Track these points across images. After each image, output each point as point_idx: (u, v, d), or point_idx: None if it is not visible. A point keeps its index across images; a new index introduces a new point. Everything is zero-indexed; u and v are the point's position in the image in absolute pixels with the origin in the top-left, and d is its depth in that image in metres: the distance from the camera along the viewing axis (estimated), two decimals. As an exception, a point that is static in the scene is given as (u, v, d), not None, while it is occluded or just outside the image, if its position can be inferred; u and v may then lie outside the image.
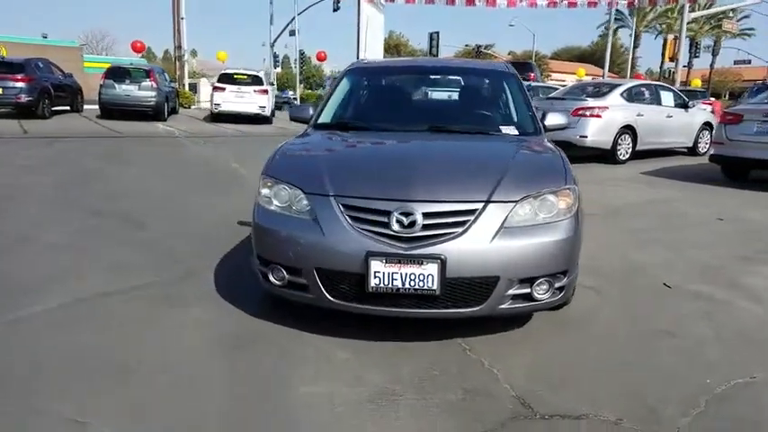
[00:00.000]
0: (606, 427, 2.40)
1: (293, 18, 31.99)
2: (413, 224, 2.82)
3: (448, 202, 2.88)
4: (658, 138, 11.90)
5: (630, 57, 54.54)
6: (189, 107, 25.05)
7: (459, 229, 2.83)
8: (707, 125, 12.98)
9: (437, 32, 31.69)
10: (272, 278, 3.12)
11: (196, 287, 3.87)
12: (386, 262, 2.78)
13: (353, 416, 2.44)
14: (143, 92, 17.58)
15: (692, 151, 12.93)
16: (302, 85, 44.34)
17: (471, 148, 3.68)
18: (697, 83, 26.45)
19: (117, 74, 17.83)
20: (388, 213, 2.85)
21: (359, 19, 25.21)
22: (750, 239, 5.60)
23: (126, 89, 17.57)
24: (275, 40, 35.48)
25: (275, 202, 3.16)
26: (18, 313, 3.36)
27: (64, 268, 4.18)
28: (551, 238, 2.92)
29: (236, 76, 19.97)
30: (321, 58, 31.84)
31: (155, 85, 17.74)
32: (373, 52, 25.89)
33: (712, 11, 30.46)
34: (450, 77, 4.82)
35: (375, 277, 2.79)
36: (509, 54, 60.93)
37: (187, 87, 26.21)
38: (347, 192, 2.98)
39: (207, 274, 4.11)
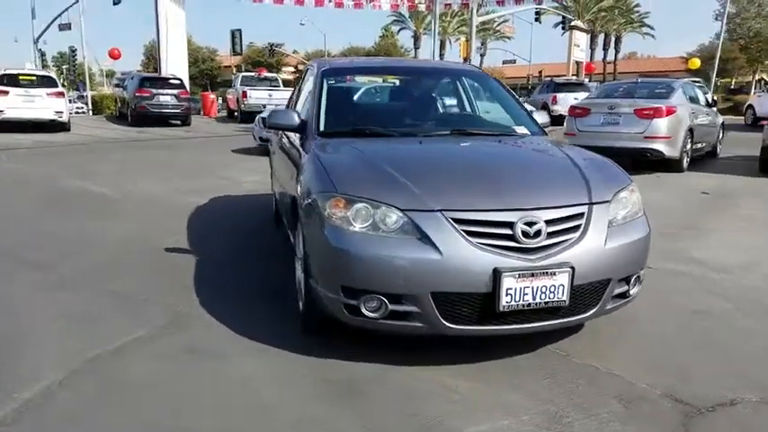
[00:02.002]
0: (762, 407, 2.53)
1: (64, 10, 28.37)
2: (538, 233, 2.67)
3: (562, 208, 2.78)
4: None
5: (413, 57, 58.40)
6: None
7: (576, 234, 2.75)
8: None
9: (239, 30, 30.54)
10: (364, 311, 2.71)
11: (221, 337, 3.24)
12: (518, 277, 2.59)
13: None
14: None
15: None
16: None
17: (520, 150, 3.59)
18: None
19: None
20: (511, 225, 2.66)
21: (157, 13, 23.23)
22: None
23: None
24: (39, 36, 31.19)
25: (357, 223, 2.75)
26: None
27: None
28: (640, 234, 2.98)
29: (21, 78, 17.15)
30: (115, 55, 28.72)
31: None
32: (176, 52, 24.10)
33: (492, 15, 33.68)
34: (435, 79, 4.66)
35: (507, 295, 2.59)
36: (294, 52, 61.08)
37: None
38: (456, 205, 2.70)
39: (207, 319, 3.46)
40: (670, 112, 9.00)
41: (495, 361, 2.92)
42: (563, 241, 2.71)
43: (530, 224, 2.66)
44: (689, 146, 9.44)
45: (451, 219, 2.66)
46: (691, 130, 9.41)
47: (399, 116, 4.07)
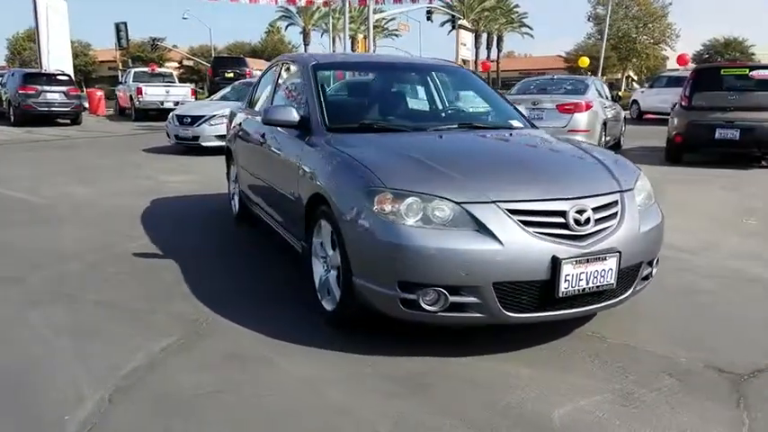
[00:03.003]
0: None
1: None
2: (587, 221, 2.79)
3: (602, 195, 2.93)
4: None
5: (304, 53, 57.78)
6: None
7: (616, 221, 2.91)
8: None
9: (125, 23, 28.73)
10: (423, 304, 2.71)
11: (254, 342, 3.10)
12: (575, 263, 2.70)
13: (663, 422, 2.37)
14: None
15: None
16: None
17: (539, 143, 3.67)
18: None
19: None
20: (564, 213, 2.76)
21: (35, 4, 21.29)
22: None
23: None
24: None
25: (410, 218, 2.73)
26: None
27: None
28: (659, 218, 3.21)
29: None
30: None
31: None
32: (59, 44, 22.24)
33: (389, 13, 34.01)
34: (423, 74, 4.65)
35: (565, 281, 2.69)
36: (174, 47, 58.41)
37: None
38: (509, 196, 2.77)
39: (226, 324, 3.30)
40: (588, 106, 9.63)
41: (539, 347, 3.02)
42: (607, 228, 2.85)
43: (580, 212, 2.78)
44: (603, 138, 10.15)
45: (506, 209, 2.72)
46: (605, 124, 10.13)
47: (403, 110, 4.06)
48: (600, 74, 26.91)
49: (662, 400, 2.53)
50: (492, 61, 51.96)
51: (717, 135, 9.13)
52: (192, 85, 24.03)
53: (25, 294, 3.76)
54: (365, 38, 28.50)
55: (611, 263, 2.79)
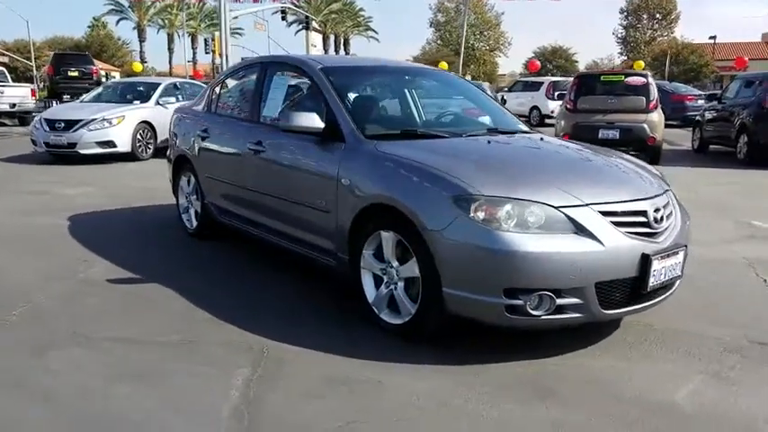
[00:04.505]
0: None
1: None
2: (661, 219, 3.00)
3: (662, 195, 3.17)
4: None
5: (139, 50, 54.23)
6: None
7: (674, 217, 3.16)
8: None
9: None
10: (530, 309, 2.75)
11: (341, 364, 2.92)
12: (660, 259, 2.90)
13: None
14: None
15: None
16: None
17: (577, 147, 3.80)
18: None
19: None
20: (644, 213, 2.95)
21: None
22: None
23: None
24: None
25: (509, 224, 2.76)
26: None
27: None
28: (686, 213, 3.53)
29: None
30: None
31: None
32: None
33: (240, 12, 32.81)
34: (431, 80, 4.59)
35: (653, 276, 2.88)
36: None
37: None
38: (598, 198, 2.90)
39: (295, 351, 3.08)
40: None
41: (605, 341, 3.18)
42: (671, 224, 3.10)
43: (656, 210, 2.99)
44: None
45: (599, 212, 2.84)
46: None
47: (435, 116, 4.01)
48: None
49: (746, 374, 2.82)
50: (340, 63, 52.70)
51: (600, 135, 10.13)
52: (33, 85, 21.41)
53: (24, 338, 3.18)
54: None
55: (681, 256, 3.04)
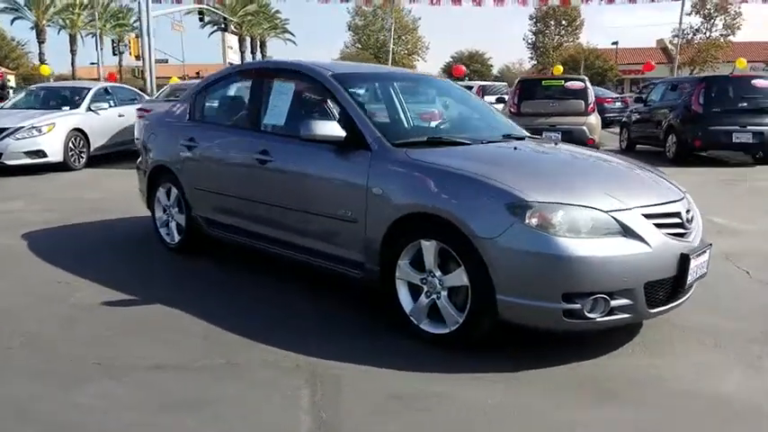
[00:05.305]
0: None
1: None
2: (690, 220, 3.16)
3: (684, 197, 3.31)
4: None
5: (38, 52, 50.80)
6: None
7: (698, 217, 3.33)
8: None
9: None
10: (588, 313, 2.80)
11: (401, 379, 2.85)
12: (695, 257, 3.04)
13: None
14: None
15: None
16: None
17: (589, 152, 3.90)
18: (176, 80, 26.36)
19: None
20: (678, 214, 3.08)
21: None
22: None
23: None
24: None
25: (562, 229, 2.80)
26: None
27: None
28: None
29: None
30: None
31: None
32: None
33: (171, 10, 30.83)
34: (433, 87, 4.53)
35: (690, 275, 3.02)
36: None
37: None
38: (641, 202, 3.00)
39: (353, 369, 2.98)
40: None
41: (635, 340, 3.27)
42: (696, 224, 3.26)
43: (687, 212, 3.14)
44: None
45: (642, 214, 2.94)
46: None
47: (456, 122, 3.99)
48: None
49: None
50: (256, 67, 51.68)
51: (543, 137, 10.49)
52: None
53: (37, 371, 2.90)
54: (137, 37, 25.95)
55: (707, 254, 3.21)
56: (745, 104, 10.31)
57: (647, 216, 2.96)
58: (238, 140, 4.25)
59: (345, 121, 3.59)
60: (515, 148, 3.63)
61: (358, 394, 2.68)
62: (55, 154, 9.72)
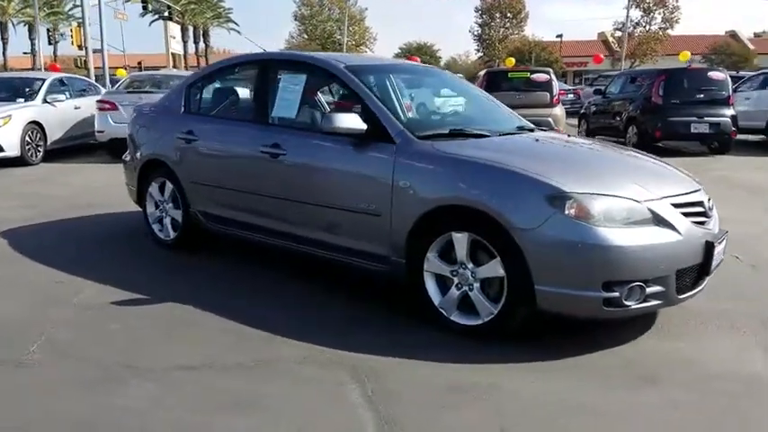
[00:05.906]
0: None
1: None
2: (711, 208, 3.28)
3: (702, 188, 3.43)
4: None
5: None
6: None
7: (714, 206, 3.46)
8: None
9: None
10: (625, 301, 2.88)
11: (453, 371, 2.84)
12: (718, 244, 3.16)
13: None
14: None
15: None
16: None
17: (592, 143, 3.97)
18: (122, 72, 25.22)
19: None
20: (701, 203, 3.20)
21: None
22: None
23: None
24: None
25: (600, 219, 2.87)
26: None
27: None
28: None
29: None
30: None
31: None
32: None
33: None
34: (440, 79, 4.49)
35: (713, 261, 3.14)
36: None
37: None
38: (669, 192, 3.10)
39: (410, 365, 2.96)
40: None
41: (657, 324, 3.39)
42: (714, 212, 3.39)
43: (708, 200, 3.26)
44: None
45: (671, 204, 3.04)
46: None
47: (474, 114, 3.99)
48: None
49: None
50: (201, 56, 50.39)
51: (511, 128, 10.67)
52: None
53: (65, 377, 2.77)
54: (79, 26, 24.78)
55: (725, 242, 3.34)
56: (702, 96, 10.77)
57: (675, 205, 3.06)
58: (245, 133, 4.14)
59: (366, 113, 3.56)
60: (537, 140, 3.68)
61: (411, 388, 2.67)
62: (12, 148, 9.22)
